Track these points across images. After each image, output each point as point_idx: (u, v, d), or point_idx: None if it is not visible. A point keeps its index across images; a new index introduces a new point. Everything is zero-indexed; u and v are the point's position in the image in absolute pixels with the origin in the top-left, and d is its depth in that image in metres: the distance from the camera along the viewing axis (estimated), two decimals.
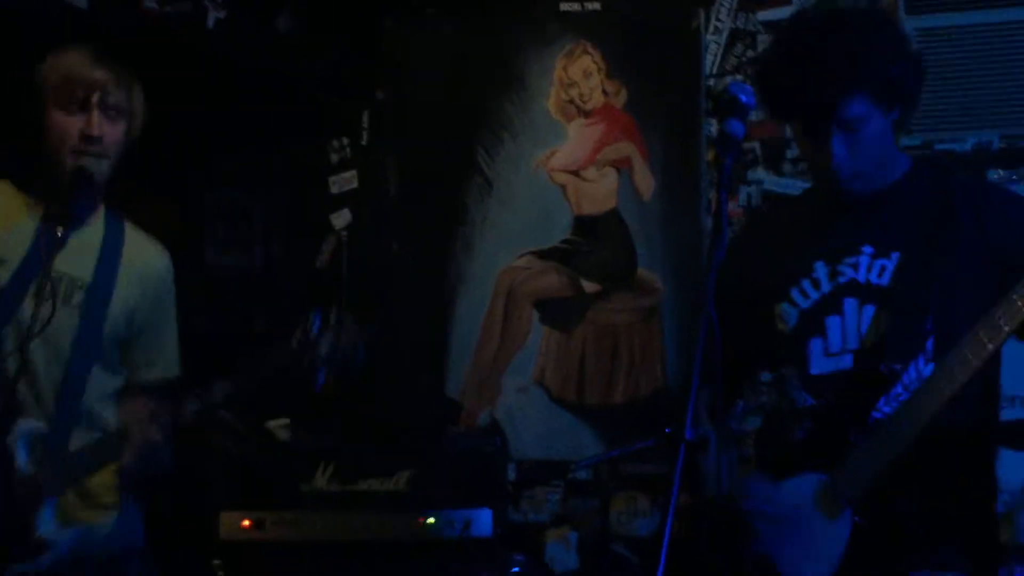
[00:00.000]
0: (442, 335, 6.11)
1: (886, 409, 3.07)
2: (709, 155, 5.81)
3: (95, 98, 3.48)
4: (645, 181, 5.89)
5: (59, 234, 3.38)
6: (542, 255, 6.02)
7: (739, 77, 5.78)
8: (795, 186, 5.55)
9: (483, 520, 4.92)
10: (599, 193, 5.96)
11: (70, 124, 3.47)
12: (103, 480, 3.61)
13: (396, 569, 4.87)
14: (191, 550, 4.93)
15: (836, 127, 3.07)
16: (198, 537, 4.93)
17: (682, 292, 5.80)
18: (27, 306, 3.42)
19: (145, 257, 3.76)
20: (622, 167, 5.94)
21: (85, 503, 3.61)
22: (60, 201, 3.44)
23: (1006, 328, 2.86)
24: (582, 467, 5.65)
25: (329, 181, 6.32)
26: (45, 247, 3.38)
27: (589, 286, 5.95)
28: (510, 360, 6.03)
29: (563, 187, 6.01)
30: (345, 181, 6.31)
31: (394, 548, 4.91)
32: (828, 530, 3.04)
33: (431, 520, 4.91)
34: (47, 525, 3.41)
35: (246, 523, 4.90)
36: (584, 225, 5.98)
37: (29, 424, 3.45)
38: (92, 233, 3.65)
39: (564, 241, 6.00)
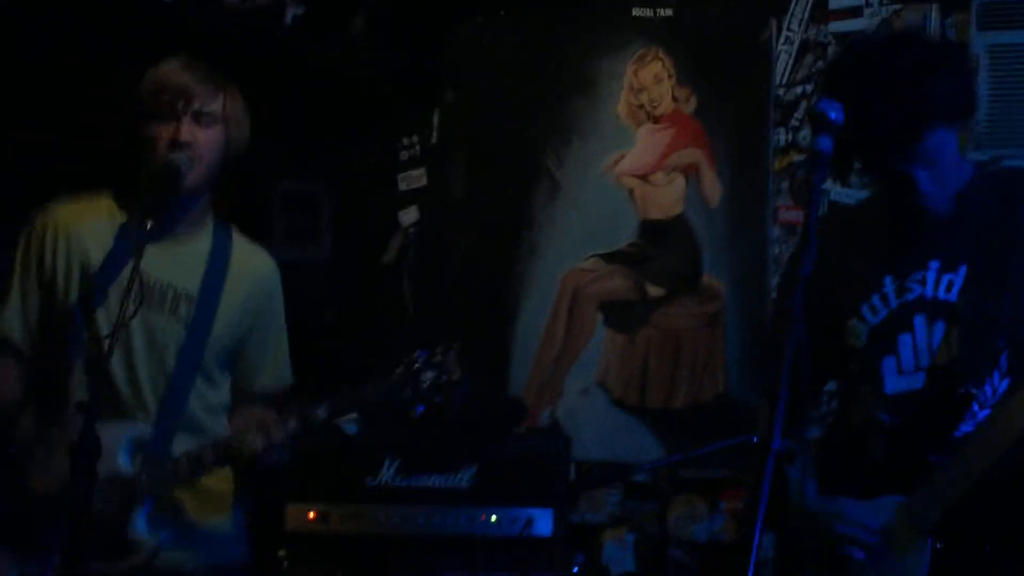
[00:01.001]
0: (506, 335, 6.16)
1: (966, 429, 3.06)
2: (776, 164, 5.84)
3: (181, 104, 3.54)
4: (712, 188, 5.92)
5: (148, 226, 3.34)
6: (608, 258, 6.06)
7: (808, 88, 5.81)
8: (862, 197, 5.57)
9: (544, 519, 4.97)
10: (666, 198, 5.99)
11: (161, 132, 3.53)
12: (220, 486, 3.69)
13: (458, 564, 4.93)
14: (257, 540, 5.01)
15: (915, 164, 3.09)
16: (264, 528, 5.01)
17: (746, 300, 5.82)
18: (113, 301, 3.49)
19: (252, 267, 3.78)
20: (690, 173, 5.97)
21: (199, 503, 3.67)
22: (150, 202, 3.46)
23: None
24: (645, 470, 5.69)
25: (398, 178, 6.38)
26: (135, 238, 3.38)
27: (654, 290, 5.99)
28: (573, 361, 6.07)
29: (630, 191, 6.04)
30: (414, 179, 6.37)
31: (456, 544, 4.97)
32: (909, 555, 3.04)
33: (494, 517, 4.97)
34: (140, 527, 3.47)
35: (312, 515, 4.97)
36: (650, 230, 6.01)
37: (135, 428, 3.53)
38: (199, 244, 3.70)
39: (630, 245, 6.03)
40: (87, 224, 3.66)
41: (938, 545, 3.02)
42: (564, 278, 6.11)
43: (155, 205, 3.39)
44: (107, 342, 3.28)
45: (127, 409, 3.56)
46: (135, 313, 3.34)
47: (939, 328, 3.16)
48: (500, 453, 5.08)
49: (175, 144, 3.51)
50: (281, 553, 4.92)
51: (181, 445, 3.57)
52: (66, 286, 3.61)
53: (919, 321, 3.18)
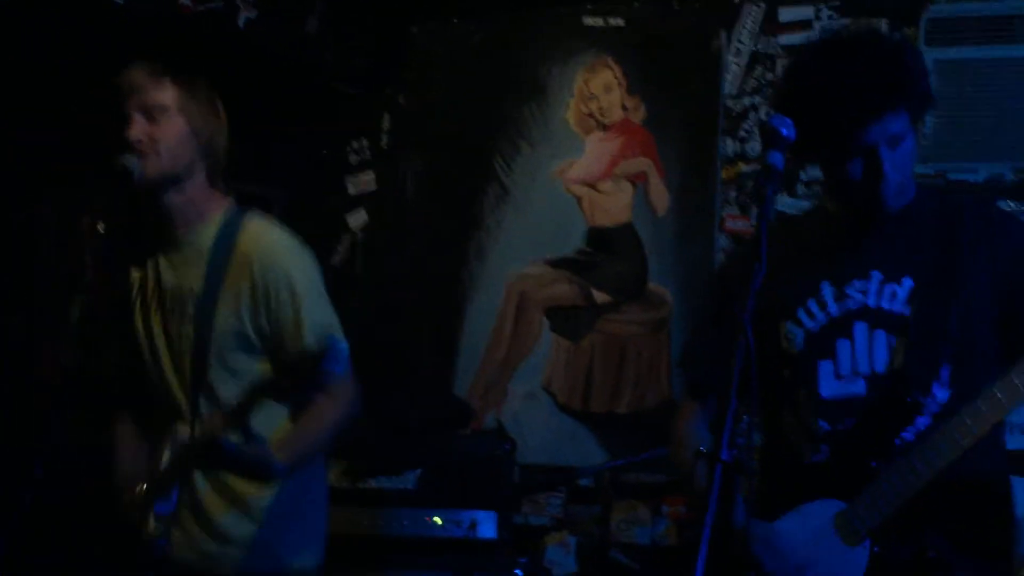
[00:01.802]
0: (452, 338, 6.19)
1: (908, 437, 3.09)
2: (724, 173, 5.90)
3: (131, 102, 3.59)
4: (660, 197, 5.97)
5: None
6: (555, 264, 6.10)
7: (757, 99, 5.87)
8: (800, 208, 5.64)
9: (488, 522, 5.02)
10: (614, 206, 6.04)
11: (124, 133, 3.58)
12: (239, 486, 3.67)
13: (402, 565, 4.95)
14: None
15: (883, 144, 3.08)
16: None
17: (691, 307, 5.86)
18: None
19: (258, 251, 3.68)
20: (638, 182, 6.02)
21: (218, 496, 3.68)
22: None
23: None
24: (589, 474, 5.73)
25: (347, 181, 6.40)
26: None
27: (600, 297, 6.03)
28: (518, 366, 6.11)
29: (579, 199, 6.09)
30: (363, 182, 6.40)
31: (401, 545, 5.00)
32: (845, 557, 3.06)
33: (438, 519, 5.00)
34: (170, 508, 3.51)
35: None
36: (598, 237, 6.06)
37: (182, 435, 3.56)
38: (202, 240, 3.69)
39: (577, 251, 6.08)
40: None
41: (876, 548, 3.05)
42: (511, 283, 6.15)
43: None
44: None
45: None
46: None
47: (880, 337, 3.19)
48: (445, 456, 5.12)
49: (126, 145, 3.55)
50: None
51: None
52: None
53: (860, 328, 3.21)
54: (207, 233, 3.68)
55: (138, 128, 3.56)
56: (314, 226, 6.33)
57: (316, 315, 3.67)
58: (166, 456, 3.52)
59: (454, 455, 5.13)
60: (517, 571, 5.00)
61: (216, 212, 3.72)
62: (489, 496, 5.03)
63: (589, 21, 6.16)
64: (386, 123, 6.39)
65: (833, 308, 3.24)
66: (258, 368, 3.68)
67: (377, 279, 6.28)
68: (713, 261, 5.84)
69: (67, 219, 3.79)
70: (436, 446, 5.18)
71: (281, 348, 3.64)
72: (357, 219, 6.37)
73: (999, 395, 2.95)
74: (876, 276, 3.22)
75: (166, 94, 3.61)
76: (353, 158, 6.40)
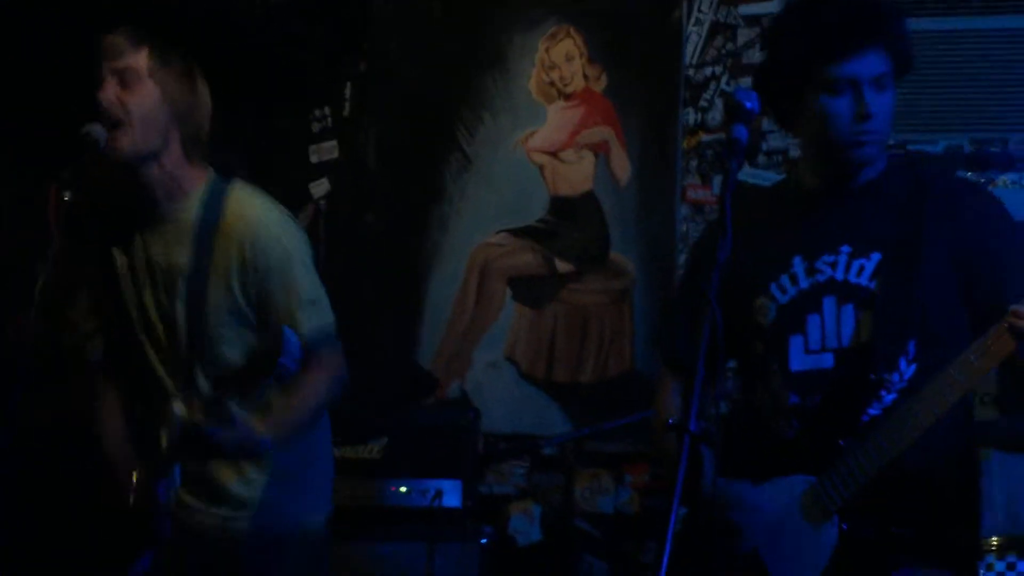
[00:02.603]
0: (415, 307, 6.20)
1: (875, 413, 3.12)
2: (685, 143, 5.93)
3: (105, 67, 3.53)
4: (622, 166, 6.00)
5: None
6: (517, 233, 6.12)
7: (718, 69, 5.90)
8: (767, 177, 5.69)
9: (454, 491, 5.05)
10: (576, 175, 6.06)
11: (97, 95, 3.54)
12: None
13: (368, 535, 4.98)
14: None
15: (867, 83, 3.09)
16: None
17: (654, 277, 5.92)
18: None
19: (244, 223, 3.62)
20: (600, 151, 6.04)
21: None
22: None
23: (977, 365, 2.96)
24: (553, 444, 5.76)
25: (309, 150, 6.39)
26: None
27: (562, 266, 6.06)
28: (481, 335, 6.13)
29: (541, 168, 6.11)
30: (325, 151, 6.39)
31: (367, 514, 5.02)
32: (815, 534, 3.09)
33: (404, 488, 5.03)
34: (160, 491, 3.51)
35: None
36: (560, 206, 6.09)
37: (177, 408, 3.47)
38: (187, 215, 3.64)
39: (540, 221, 6.10)
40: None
41: (844, 526, 3.09)
42: (474, 252, 6.16)
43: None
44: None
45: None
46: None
47: (848, 311, 3.21)
48: (410, 425, 5.14)
49: (96, 112, 3.51)
50: None
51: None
52: None
53: (828, 303, 3.23)
54: (190, 208, 3.62)
55: (110, 91, 3.50)
56: (276, 194, 6.35)
57: (306, 288, 3.64)
58: (165, 435, 3.50)
59: (419, 425, 5.16)
60: (483, 540, 5.03)
61: (197, 185, 3.66)
62: (454, 465, 5.07)
63: None
64: (348, 92, 6.37)
65: (804, 282, 3.26)
66: (255, 339, 3.66)
67: (339, 248, 6.27)
68: (675, 231, 5.88)
69: (34, 188, 3.74)
70: (401, 416, 5.21)
71: (269, 321, 3.60)
72: (320, 188, 6.37)
73: (955, 374, 2.98)
74: (845, 250, 3.23)
75: (140, 60, 3.54)
76: (315, 126, 6.39)
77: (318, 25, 6.21)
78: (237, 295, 3.61)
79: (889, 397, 3.13)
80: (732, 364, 3.54)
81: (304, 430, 3.71)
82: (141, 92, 3.54)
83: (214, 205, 3.63)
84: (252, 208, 3.67)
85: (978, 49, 5.60)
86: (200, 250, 3.59)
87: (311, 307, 3.61)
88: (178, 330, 3.62)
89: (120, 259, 3.70)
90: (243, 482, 3.66)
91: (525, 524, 5.94)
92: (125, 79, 3.54)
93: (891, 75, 3.14)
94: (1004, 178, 5.51)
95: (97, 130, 3.49)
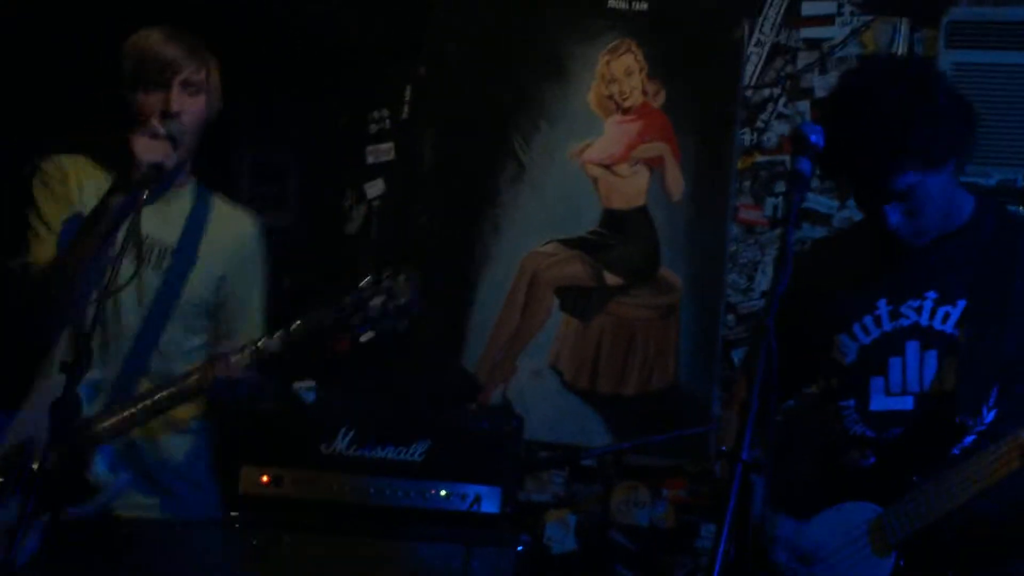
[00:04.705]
0: (463, 312, 6.25)
1: (954, 453, 3.15)
2: (739, 163, 5.96)
3: (170, 76, 3.60)
4: (676, 182, 6.03)
5: (145, 196, 3.41)
6: (568, 244, 6.16)
7: (776, 91, 5.92)
8: (822, 203, 5.71)
9: (492, 497, 5.08)
10: (630, 189, 6.10)
11: (150, 101, 3.60)
12: (178, 412, 3.75)
13: (405, 535, 5.02)
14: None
15: (888, 199, 3.13)
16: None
17: (701, 294, 5.95)
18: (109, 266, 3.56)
19: (234, 228, 3.91)
20: (654, 166, 6.07)
21: (157, 427, 3.76)
22: (132, 167, 3.47)
23: None
24: (592, 455, 5.80)
25: (366, 151, 6.44)
26: (129, 208, 3.46)
27: (611, 279, 6.09)
28: (527, 343, 6.17)
29: (595, 180, 6.14)
30: (382, 152, 6.44)
31: (405, 515, 5.07)
32: (872, 564, 3.14)
33: (443, 492, 5.07)
34: (101, 468, 3.56)
35: (265, 479, 5.06)
36: (612, 219, 6.12)
37: (92, 373, 3.57)
38: (181, 202, 3.81)
39: (591, 232, 6.14)
40: (87, 180, 3.74)
41: (901, 562, 3.12)
42: (524, 260, 6.20)
43: (154, 175, 3.46)
44: (99, 304, 3.37)
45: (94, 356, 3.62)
46: (133, 277, 3.45)
47: (931, 357, 3.24)
48: (453, 429, 5.17)
49: (166, 114, 3.57)
50: (233, 514, 5.00)
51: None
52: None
53: (911, 347, 3.26)
54: (186, 197, 3.82)
55: (178, 101, 3.59)
56: (331, 193, 6.44)
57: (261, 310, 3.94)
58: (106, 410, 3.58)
59: (462, 429, 5.19)
60: (519, 547, 5.06)
61: (187, 183, 3.86)
62: (495, 472, 5.09)
63: (613, 3, 6.19)
64: (408, 94, 6.42)
65: (887, 325, 3.29)
66: (203, 339, 3.88)
67: (391, 249, 6.32)
68: (724, 250, 5.91)
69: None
70: (444, 419, 5.24)
71: (235, 329, 3.85)
72: (374, 188, 6.42)
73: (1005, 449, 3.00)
74: (931, 296, 3.27)
75: (201, 73, 3.67)
76: (373, 128, 6.43)
77: (378, 27, 6.27)
78: (213, 284, 3.82)
79: (968, 439, 3.16)
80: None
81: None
82: (198, 102, 3.68)
83: (205, 201, 3.85)
84: (245, 217, 3.98)
85: None
86: (191, 235, 3.76)
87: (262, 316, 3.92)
88: (146, 303, 3.69)
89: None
90: (179, 439, 3.81)
91: (560, 533, 5.98)
92: (189, 90, 3.64)
93: (927, 173, 3.10)
94: None
95: (175, 128, 3.55)
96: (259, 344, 3.57)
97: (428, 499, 5.06)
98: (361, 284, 3.57)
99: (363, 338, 3.65)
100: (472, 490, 5.07)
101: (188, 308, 3.80)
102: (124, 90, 3.67)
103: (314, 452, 5.08)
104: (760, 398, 2.54)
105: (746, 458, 2.51)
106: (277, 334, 3.57)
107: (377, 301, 3.54)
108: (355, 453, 5.10)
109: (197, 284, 3.79)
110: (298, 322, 3.58)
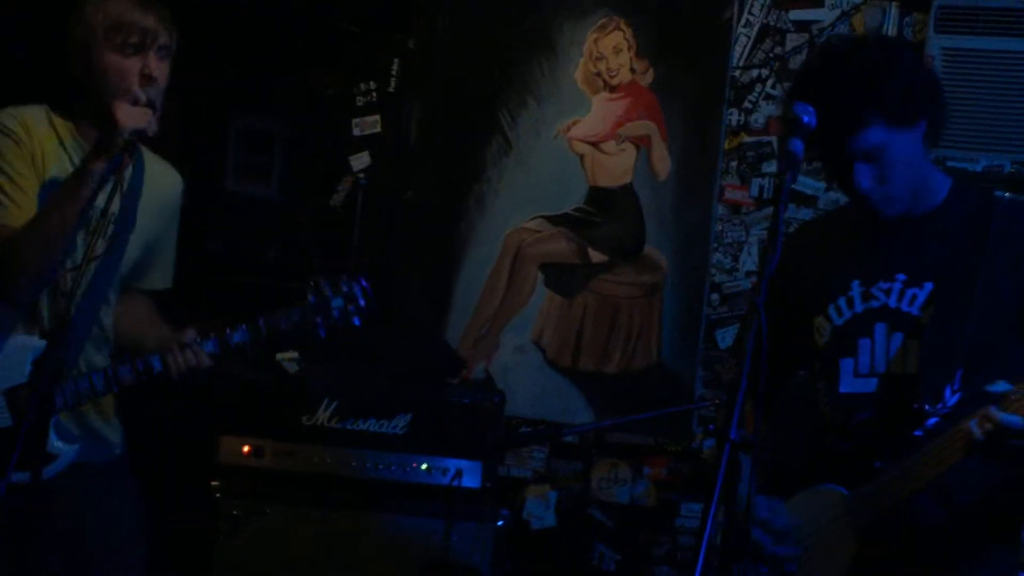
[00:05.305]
0: (447, 286, 6.25)
1: (917, 435, 3.14)
2: (726, 143, 5.95)
3: (150, 42, 3.65)
4: (662, 161, 6.03)
5: (127, 164, 3.52)
6: (553, 220, 6.15)
7: (764, 72, 5.92)
8: (809, 185, 5.72)
9: (474, 472, 5.10)
10: (616, 167, 6.09)
11: (127, 66, 3.63)
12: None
13: (386, 508, 5.03)
14: (191, 469, 5.09)
15: (857, 158, 3.13)
16: (198, 457, 5.09)
17: (686, 273, 5.95)
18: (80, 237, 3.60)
19: (162, 185, 3.98)
20: (641, 145, 6.06)
21: (97, 411, 3.84)
22: (116, 133, 3.48)
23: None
24: (574, 433, 5.81)
25: (353, 123, 6.42)
26: (111, 174, 3.47)
27: (596, 256, 6.10)
28: (510, 318, 6.17)
29: (581, 157, 6.13)
30: (368, 124, 6.42)
31: (387, 488, 5.08)
32: (837, 547, 3.17)
33: (425, 465, 5.08)
34: (53, 438, 3.60)
35: (246, 449, 5.07)
36: (598, 196, 6.11)
37: (34, 341, 3.62)
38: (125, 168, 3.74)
39: (576, 209, 6.13)
40: (48, 139, 3.75)
41: (861, 547, 3.14)
42: (509, 235, 6.20)
43: (136, 141, 3.50)
44: (73, 274, 3.39)
45: (36, 325, 3.68)
46: (109, 248, 3.47)
47: (897, 339, 3.25)
48: (436, 404, 5.18)
49: (146, 79, 3.62)
50: (213, 484, 5.00)
51: (88, 357, 3.78)
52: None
53: (879, 329, 3.27)
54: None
55: (156, 67, 3.66)
56: (317, 164, 6.43)
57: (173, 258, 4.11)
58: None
59: (444, 404, 5.20)
60: (499, 522, 5.07)
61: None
62: (476, 447, 5.11)
63: None
64: (395, 67, 6.40)
65: (859, 306, 3.31)
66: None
67: (376, 222, 6.31)
68: (710, 229, 5.91)
69: None
70: (427, 394, 5.25)
71: (147, 274, 4.01)
72: (360, 161, 6.40)
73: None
74: (900, 278, 3.27)
75: (169, 36, 3.73)
76: (360, 100, 6.42)
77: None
78: (146, 243, 3.90)
79: (931, 421, 3.15)
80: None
81: None
82: (166, 67, 3.73)
83: (139, 161, 3.85)
84: (170, 170, 4.06)
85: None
86: (130, 200, 3.76)
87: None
88: (88, 269, 3.64)
89: None
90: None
91: (540, 508, 5.99)
92: (160, 54, 3.70)
93: (893, 135, 3.12)
94: None
95: (153, 93, 3.57)
96: (225, 338, 3.74)
97: (409, 472, 5.08)
98: (319, 286, 3.83)
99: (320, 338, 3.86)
100: (453, 464, 5.10)
101: (125, 273, 3.88)
102: (93, 50, 3.67)
103: (296, 423, 5.10)
104: (749, 378, 2.55)
105: (734, 437, 2.52)
106: (240, 330, 3.75)
107: (338, 303, 3.81)
108: (337, 425, 5.11)
109: (131, 247, 3.84)
110: (262, 320, 3.76)
